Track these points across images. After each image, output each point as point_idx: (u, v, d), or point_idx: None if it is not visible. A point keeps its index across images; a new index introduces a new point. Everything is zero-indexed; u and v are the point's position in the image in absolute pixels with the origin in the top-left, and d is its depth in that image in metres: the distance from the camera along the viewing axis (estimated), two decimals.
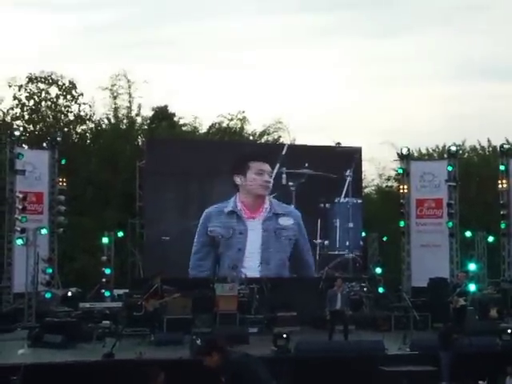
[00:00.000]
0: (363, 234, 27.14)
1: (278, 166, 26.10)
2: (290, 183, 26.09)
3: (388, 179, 39.79)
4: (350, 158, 27.10)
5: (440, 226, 26.41)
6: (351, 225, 26.72)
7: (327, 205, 26.49)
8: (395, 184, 36.21)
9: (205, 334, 17.76)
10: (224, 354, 6.36)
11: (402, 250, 26.98)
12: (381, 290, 25.30)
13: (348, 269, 26.30)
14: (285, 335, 17.07)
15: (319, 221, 26.20)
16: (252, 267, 25.10)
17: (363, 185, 32.12)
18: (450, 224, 26.05)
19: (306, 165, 26.16)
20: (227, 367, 6.21)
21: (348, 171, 26.74)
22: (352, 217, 26.77)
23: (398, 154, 27.75)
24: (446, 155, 28.32)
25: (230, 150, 27.62)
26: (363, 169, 29.22)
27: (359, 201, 27.21)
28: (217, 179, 25.46)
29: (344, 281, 20.71)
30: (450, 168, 26.44)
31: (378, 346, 17.27)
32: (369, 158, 36.33)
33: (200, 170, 25.40)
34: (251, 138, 38.83)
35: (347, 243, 26.65)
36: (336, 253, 26.44)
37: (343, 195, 26.64)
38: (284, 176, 26.07)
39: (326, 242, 26.31)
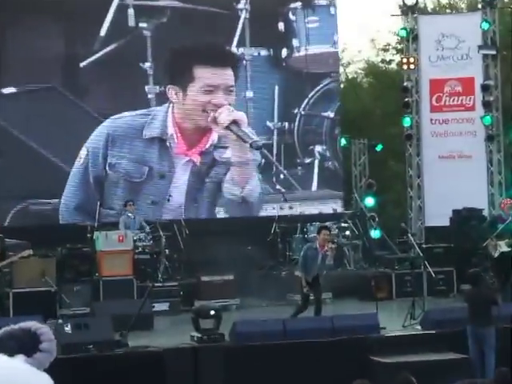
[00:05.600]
0: (343, 141, 19.95)
1: None
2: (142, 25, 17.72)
3: (385, 50, 29.73)
4: None
5: (471, 123, 19.70)
6: None
7: None
8: (396, 58, 27.36)
9: (80, 318, 13.77)
10: None
11: (407, 167, 20.27)
12: (375, 233, 19.20)
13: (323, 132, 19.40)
14: (213, 312, 13.02)
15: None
16: (170, 208, 18.34)
17: (342, 62, 25.26)
18: (488, 120, 19.38)
19: None
20: None
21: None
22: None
23: (399, 5, 20.55)
24: (479, 5, 21.09)
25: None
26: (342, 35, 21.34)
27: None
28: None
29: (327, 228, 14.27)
30: (485, 25, 19.59)
31: (370, 323, 13.46)
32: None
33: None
34: None
35: None
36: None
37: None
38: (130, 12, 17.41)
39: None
